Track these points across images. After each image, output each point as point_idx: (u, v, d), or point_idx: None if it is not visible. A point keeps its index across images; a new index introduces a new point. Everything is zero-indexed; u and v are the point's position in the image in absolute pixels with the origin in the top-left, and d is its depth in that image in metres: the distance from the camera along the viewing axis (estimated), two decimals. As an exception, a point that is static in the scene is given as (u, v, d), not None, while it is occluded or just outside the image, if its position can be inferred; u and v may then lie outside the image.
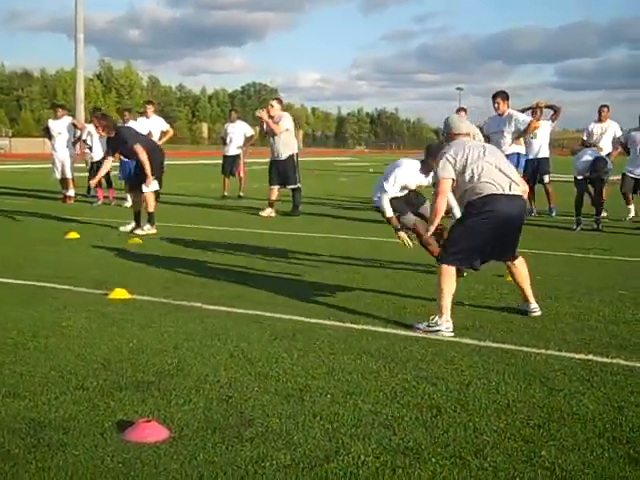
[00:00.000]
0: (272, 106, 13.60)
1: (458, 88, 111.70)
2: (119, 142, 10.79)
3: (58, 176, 16.03)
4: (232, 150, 17.38)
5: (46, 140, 17.24)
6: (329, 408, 3.90)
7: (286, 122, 13.55)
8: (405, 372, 4.51)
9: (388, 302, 6.40)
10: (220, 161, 18.09)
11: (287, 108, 13.60)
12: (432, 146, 7.18)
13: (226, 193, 17.40)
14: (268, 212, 13.37)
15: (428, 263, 7.50)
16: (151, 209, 10.74)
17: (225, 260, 8.40)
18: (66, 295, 6.53)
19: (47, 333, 5.30)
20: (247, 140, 17.38)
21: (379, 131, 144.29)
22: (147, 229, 10.56)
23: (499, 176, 5.54)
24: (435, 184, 5.76)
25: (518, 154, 11.80)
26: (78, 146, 17.06)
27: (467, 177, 5.52)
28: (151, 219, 10.72)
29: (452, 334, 5.34)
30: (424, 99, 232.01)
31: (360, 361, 4.72)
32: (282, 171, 13.57)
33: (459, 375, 4.47)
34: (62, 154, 15.80)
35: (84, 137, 16.11)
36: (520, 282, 5.95)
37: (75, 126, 16.49)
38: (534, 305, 5.94)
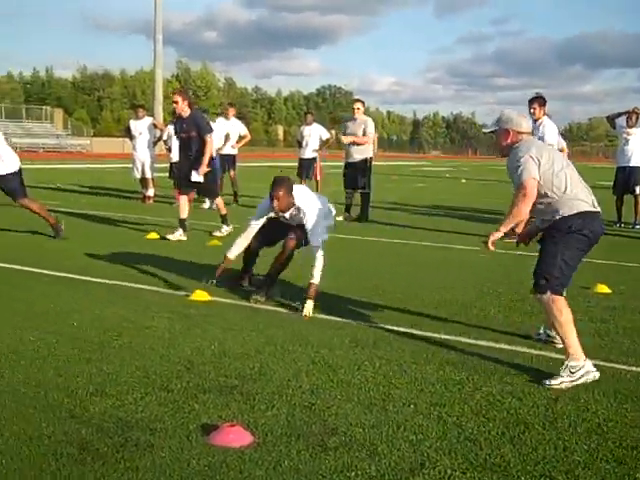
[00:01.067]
0: (358, 109, 13.48)
1: (537, 92, 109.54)
2: (190, 123, 10.42)
3: (138, 176, 16.31)
4: (308, 153, 17.41)
5: (126, 140, 17.53)
6: (413, 419, 3.86)
7: (371, 128, 13.49)
8: (490, 385, 4.43)
9: (469, 311, 6.31)
10: (296, 164, 18.16)
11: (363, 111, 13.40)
12: (278, 178, 6.46)
13: (303, 196, 17.45)
14: (345, 216, 13.35)
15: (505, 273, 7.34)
16: (223, 211, 10.81)
17: (303, 265, 8.39)
18: (148, 295, 6.62)
19: (131, 333, 5.38)
20: (323, 143, 17.37)
21: (455, 136, 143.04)
22: (225, 231, 10.63)
23: (586, 189, 4.95)
24: (517, 186, 4.85)
25: None
26: (158, 146, 17.30)
27: (555, 186, 4.82)
28: (225, 221, 10.76)
29: (598, 373, 4.61)
30: (501, 103, 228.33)
31: (443, 372, 4.66)
32: (353, 174, 13.53)
33: (546, 390, 4.37)
34: (142, 154, 16.07)
35: (164, 137, 16.34)
36: None
37: (155, 126, 16.75)
38: None
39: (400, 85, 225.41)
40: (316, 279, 6.13)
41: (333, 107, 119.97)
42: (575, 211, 4.78)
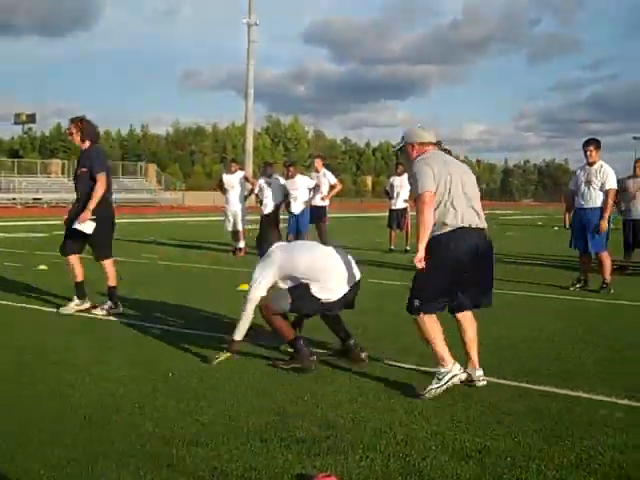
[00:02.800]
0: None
1: (635, 137, 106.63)
2: (86, 157, 8.37)
3: (230, 228, 16.62)
4: (399, 204, 17.48)
5: (216, 193, 17.85)
6: (510, 472, 3.77)
7: None
8: (589, 437, 4.29)
9: (566, 361, 6.15)
10: (386, 214, 18.18)
11: None
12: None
13: (392, 247, 17.48)
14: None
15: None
16: (112, 282, 8.63)
17: (398, 313, 8.36)
18: (241, 345, 6.68)
19: (224, 382, 5.45)
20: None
21: (547, 182, 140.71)
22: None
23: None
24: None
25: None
26: (249, 199, 17.60)
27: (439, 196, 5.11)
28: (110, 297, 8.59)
29: (465, 374, 5.14)
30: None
31: (540, 423, 4.54)
32: None
33: (649, 443, 4.21)
34: (235, 207, 16.40)
35: (256, 191, 16.64)
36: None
37: (247, 180, 17.08)
38: (480, 372, 5.40)
39: (490, 133, 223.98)
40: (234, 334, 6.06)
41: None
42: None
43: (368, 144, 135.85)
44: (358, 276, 6.06)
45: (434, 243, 5.08)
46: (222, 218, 17.21)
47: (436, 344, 5.17)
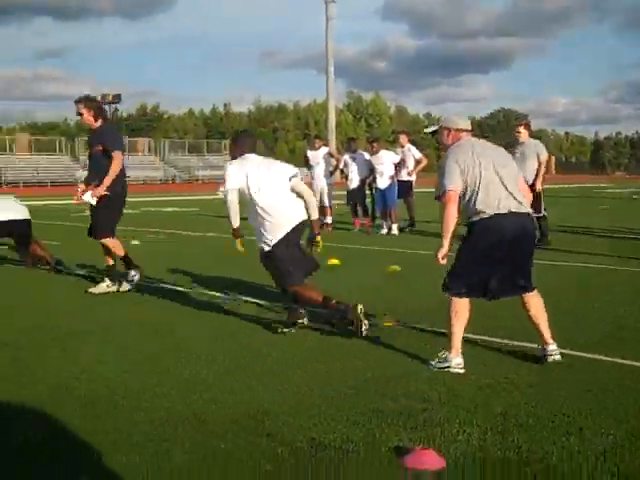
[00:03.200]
0: (519, 132, 12.94)
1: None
2: (99, 135, 8.29)
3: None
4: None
5: (299, 170, 17.89)
6: (612, 449, 3.69)
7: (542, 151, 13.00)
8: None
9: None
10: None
11: (538, 133, 12.86)
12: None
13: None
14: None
15: None
16: (110, 261, 8.62)
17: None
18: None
19: (321, 354, 5.51)
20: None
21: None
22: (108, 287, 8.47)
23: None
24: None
25: None
26: (335, 175, 17.60)
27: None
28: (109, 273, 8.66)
29: (462, 370, 5.08)
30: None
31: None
32: None
33: None
34: (320, 183, 16.41)
35: (341, 166, 16.64)
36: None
37: (331, 156, 17.08)
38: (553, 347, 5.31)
39: (578, 105, 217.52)
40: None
41: (508, 130, 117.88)
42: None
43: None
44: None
45: (470, 229, 5.18)
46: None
47: (453, 331, 5.21)
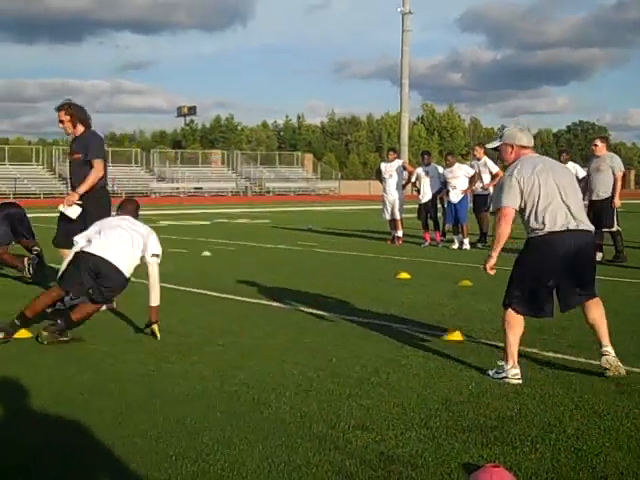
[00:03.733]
0: (596, 145, 12.74)
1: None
2: (80, 142, 7.86)
3: (388, 217, 16.61)
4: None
5: (371, 182, 17.90)
6: (692, 473, 3.58)
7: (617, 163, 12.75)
8: None
9: None
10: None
11: (616, 146, 12.60)
12: None
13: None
14: (598, 256, 12.70)
15: None
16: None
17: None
18: (402, 334, 6.70)
19: (388, 369, 5.47)
20: (579, 181, 16.74)
21: None
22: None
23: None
24: None
25: None
26: (407, 188, 17.53)
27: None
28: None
29: (519, 381, 5.08)
30: None
31: None
32: (597, 212, 12.73)
33: None
34: (393, 196, 16.34)
35: (413, 179, 16.57)
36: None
37: (404, 168, 17.02)
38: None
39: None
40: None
41: (585, 144, 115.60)
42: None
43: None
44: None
45: (526, 245, 5.32)
46: (379, 207, 17.25)
47: (509, 343, 5.27)
